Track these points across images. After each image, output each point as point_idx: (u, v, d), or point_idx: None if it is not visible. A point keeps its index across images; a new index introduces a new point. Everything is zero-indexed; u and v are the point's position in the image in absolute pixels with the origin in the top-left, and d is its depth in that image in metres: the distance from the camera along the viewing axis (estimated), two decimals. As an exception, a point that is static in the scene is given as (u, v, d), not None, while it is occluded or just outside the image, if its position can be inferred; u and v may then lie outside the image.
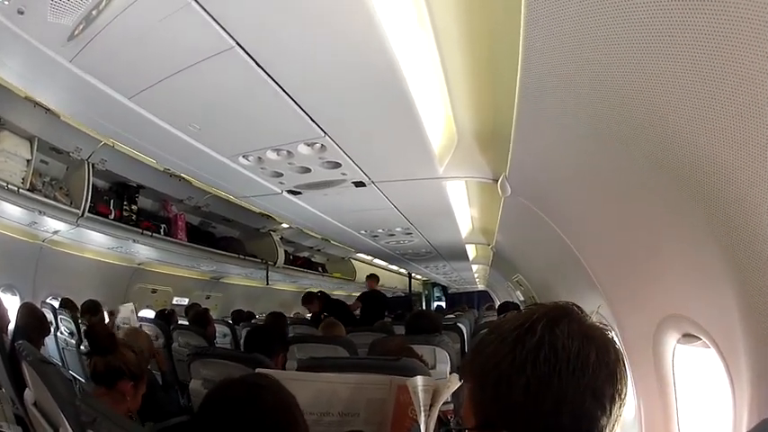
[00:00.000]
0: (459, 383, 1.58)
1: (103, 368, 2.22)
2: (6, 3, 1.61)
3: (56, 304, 5.63)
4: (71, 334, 4.85)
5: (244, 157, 2.91)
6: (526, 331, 0.89)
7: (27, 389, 2.27)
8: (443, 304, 20.37)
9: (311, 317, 7.54)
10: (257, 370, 1.86)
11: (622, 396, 0.88)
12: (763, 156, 0.98)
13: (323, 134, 2.48)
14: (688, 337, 1.73)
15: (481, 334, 3.40)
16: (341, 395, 1.72)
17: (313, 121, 2.33)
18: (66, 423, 1.68)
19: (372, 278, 8.36)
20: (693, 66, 1.01)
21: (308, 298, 7.47)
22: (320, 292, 7.76)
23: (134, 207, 5.82)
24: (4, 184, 4.03)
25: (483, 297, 18.05)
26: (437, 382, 1.58)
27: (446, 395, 1.55)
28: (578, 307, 0.95)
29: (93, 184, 4.96)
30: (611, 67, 1.26)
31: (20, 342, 2.34)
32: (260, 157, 2.90)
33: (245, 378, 1.41)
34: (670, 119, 1.19)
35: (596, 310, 0.93)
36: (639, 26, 1.06)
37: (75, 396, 1.77)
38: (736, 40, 0.90)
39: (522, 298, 7.92)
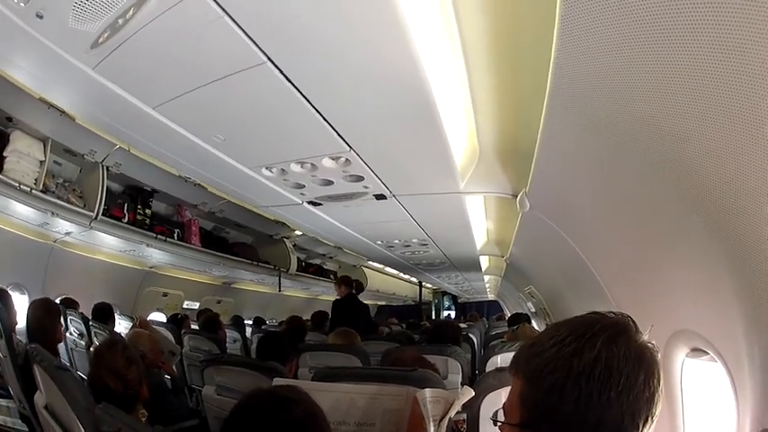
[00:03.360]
0: (472, 395, 1.60)
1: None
2: (23, 5, 1.59)
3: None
4: (81, 335, 4.81)
5: (267, 168, 2.93)
6: (586, 343, 0.94)
7: (38, 391, 2.28)
8: (453, 313, 20.33)
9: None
10: (275, 380, 1.88)
11: (654, 417, 0.94)
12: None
13: (348, 148, 2.51)
14: (696, 351, 1.77)
15: (494, 344, 3.39)
16: (358, 405, 1.73)
17: (339, 135, 2.35)
18: (83, 430, 1.70)
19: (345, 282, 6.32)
20: (713, 101, 1.05)
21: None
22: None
23: (148, 211, 5.79)
24: (16, 185, 3.97)
25: (492, 307, 17.99)
26: (448, 393, 1.60)
27: (457, 407, 1.57)
28: (634, 322, 1.00)
29: (107, 187, 4.93)
30: (634, 97, 1.30)
31: (32, 346, 2.33)
32: (283, 169, 2.93)
33: (275, 390, 1.42)
34: (689, 148, 1.23)
35: (650, 329, 0.96)
36: (664, 61, 1.10)
37: (93, 404, 1.78)
38: (752, 79, 0.94)
39: (533, 309, 7.90)
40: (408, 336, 5.19)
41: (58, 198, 4.51)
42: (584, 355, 0.93)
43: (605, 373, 0.91)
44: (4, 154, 4.02)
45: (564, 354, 0.95)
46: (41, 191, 4.26)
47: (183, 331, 5.36)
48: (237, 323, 6.99)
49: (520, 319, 6.30)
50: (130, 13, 1.56)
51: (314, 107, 2.08)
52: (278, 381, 1.92)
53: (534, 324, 7.14)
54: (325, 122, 2.22)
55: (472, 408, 1.83)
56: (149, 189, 5.82)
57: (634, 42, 1.13)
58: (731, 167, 1.10)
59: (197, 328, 5.82)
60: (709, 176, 1.20)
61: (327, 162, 2.73)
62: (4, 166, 3.99)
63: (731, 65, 0.96)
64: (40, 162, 4.29)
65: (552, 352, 0.97)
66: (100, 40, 1.73)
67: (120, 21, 1.61)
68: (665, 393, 1.98)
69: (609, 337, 0.94)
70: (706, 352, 1.67)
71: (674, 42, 1.03)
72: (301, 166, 2.85)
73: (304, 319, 6.29)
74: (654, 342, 0.98)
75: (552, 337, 1.00)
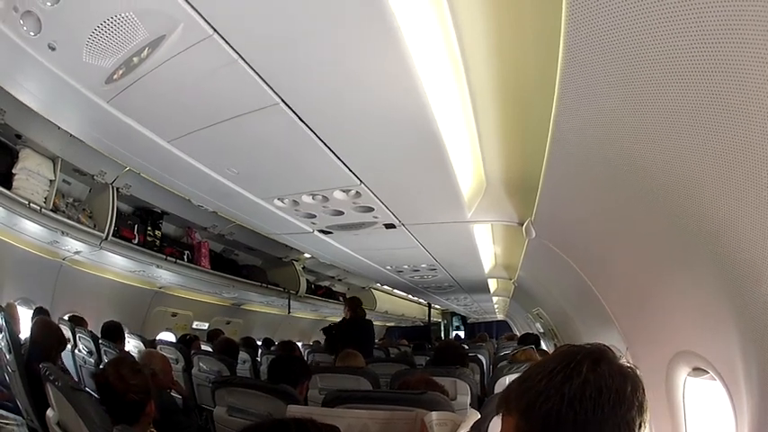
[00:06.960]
0: (478, 418, 1.65)
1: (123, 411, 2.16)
2: (33, 35, 1.56)
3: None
4: (90, 353, 4.81)
5: (279, 199, 2.99)
6: (572, 371, 1.02)
7: (50, 408, 2.33)
8: (462, 333, 20.24)
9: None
10: (290, 407, 1.94)
11: (646, 423, 1.02)
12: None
13: (359, 182, 2.56)
14: (697, 370, 1.84)
15: (503, 365, 3.41)
16: (370, 430, 1.78)
17: (350, 170, 2.41)
18: (100, 450, 1.74)
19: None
20: (712, 145, 1.12)
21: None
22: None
23: (158, 233, 5.82)
24: (26, 203, 3.95)
25: (501, 327, 17.88)
26: (455, 416, 1.64)
27: (464, 430, 1.62)
28: (610, 349, 1.08)
29: (116, 208, 4.95)
30: (634, 137, 1.38)
31: (45, 365, 2.36)
32: (295, 201, 2.98)
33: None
34: (686, 185, 1.29)
35: (625, 352, 1.07)
36: (665, 105, 1.17)
37: (110, 425, 1.84)
38: (746, 124, 1.01)
39: (541, 330, 7.91)
40: (408, 357, 5.13)
41: (69, 218, 4.52)
42: (573, 382, 1.00)
43: (596, 392, 0.98)
44: (14, 171, 4.02)
45: (554, 383, 1.02)
46: (52, 210, 4.26)
47: (192, 352, 5.38)
48: (249, 344, 6.95)
49: (529, 338, 6.31)
50: (145, 52, 1.57)
51: (325, 144, 2.13)
52: (292, 408, 1.98)
53: (543, 344, 7.16)
54: (336, 158, 2.27)
55: (479, 430, 1.87)
56: (159, 211, 5.86)
57: (635, 86, 1.19)
58: (727, 206, 1.18)
59: (207, 348, 5.83)
60: (712, 220, 1.27)
61: (338, 194, 2.78)
62: (14, 183, 3.99)
63: (725, 112, 1.03)
64: (50, 181, 4.30)
65: (543, 384, 1.03)
66: (114, 77, 1.74)
67: (135, 59, 1.62)
68: (669, 410, 2.05)
69: (592, 362, 1.02)
70: (706, 371, 1.74)
71: (673, 90, 1.10)
72: (313, 198, 2.91)
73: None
74: (630, 362, 1.07)
75: (539, 372, 1.06)
